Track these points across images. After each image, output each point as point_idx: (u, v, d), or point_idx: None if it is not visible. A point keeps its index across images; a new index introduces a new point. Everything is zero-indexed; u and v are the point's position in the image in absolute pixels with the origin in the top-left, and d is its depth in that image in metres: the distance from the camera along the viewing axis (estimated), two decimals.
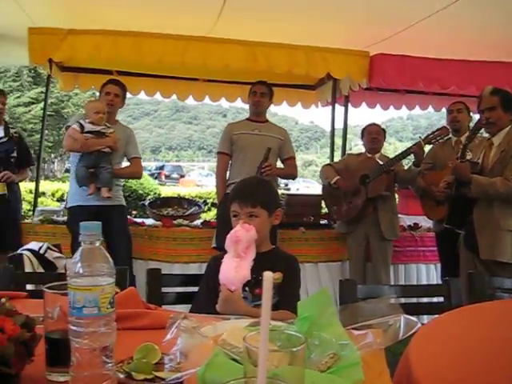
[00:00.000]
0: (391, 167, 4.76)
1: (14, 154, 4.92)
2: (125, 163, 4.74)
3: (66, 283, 1.15)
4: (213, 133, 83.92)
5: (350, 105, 6.29)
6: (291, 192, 8.27)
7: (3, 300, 1.26)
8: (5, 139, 4.86)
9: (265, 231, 2.23)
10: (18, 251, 4.08)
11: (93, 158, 4.35)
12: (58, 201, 9.90)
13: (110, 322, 1.13)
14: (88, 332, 1.10)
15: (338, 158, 5.97)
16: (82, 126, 4.33)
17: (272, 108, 5.66)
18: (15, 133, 5.04)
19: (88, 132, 4.32)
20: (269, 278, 0.76)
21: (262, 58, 5.43)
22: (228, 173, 4.90)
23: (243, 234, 1.96)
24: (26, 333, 1.12)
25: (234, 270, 1.88)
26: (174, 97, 6.93)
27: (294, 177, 5.04)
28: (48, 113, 6.06)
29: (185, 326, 1.21)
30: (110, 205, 4.44)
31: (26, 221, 5.45)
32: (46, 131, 5.98)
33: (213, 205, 10.21)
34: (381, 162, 4.84)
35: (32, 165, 5.45)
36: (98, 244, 1.14)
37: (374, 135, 5.02)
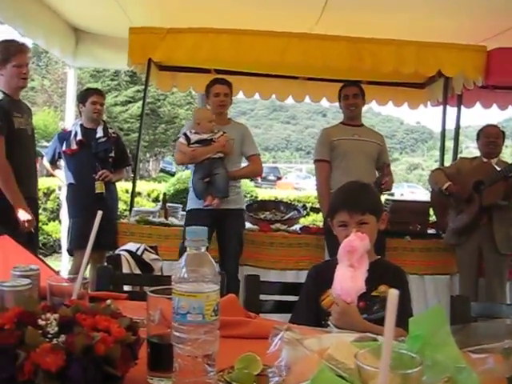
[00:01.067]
0: (510, 174, 4.54)
1: (112, 154, 5.16)
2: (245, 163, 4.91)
3: (170, 287, 1.20)
4: (311, 133, 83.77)
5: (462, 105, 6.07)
6: (396, 198, 8.06)
7: (109, 301, 1.33)
8: (103, 139, 5.10)
9: (374, 238, 2.22)
10: (116, 251, 4.28)
11: (205, 168, 4.49)
12: (153, 201, 10.26)
13: (214, 329, 1.16)
14: (191, 339, 1.14)
15: (448, 161, 5.78)
16: (187, 138, 4.51)
17: (375, 107, 5.58)
18: (113, 133, 5.29)
19: (195, 142, 4.48)
20: (394, 295, 0.75)
21: (367, 56, 5.36)
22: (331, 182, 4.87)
23: (358, 244, 1.94)
24: (130, 336, 1.18)
25: (350, 280, 1.87)
26: (274, 96, 7.01)
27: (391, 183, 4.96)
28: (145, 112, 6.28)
29: (288, 338, 1.22)
30: (228, 208, 4.58)
31: (123, 221, 5.67)
32: (142, 130, 6.22)
33: (312, 209, 10.18)
34: (498, 168, 4.63)
35: (129, 165, 5.70)
36: (203, 250, 1.18)
37: (492, 138, 4.77)
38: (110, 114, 30.48)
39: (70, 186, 5.17)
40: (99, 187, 4.98)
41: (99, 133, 5.10)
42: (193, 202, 4.64)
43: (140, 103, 27.79)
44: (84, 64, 7.76)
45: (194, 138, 4.48)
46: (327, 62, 5.37)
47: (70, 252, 5.22)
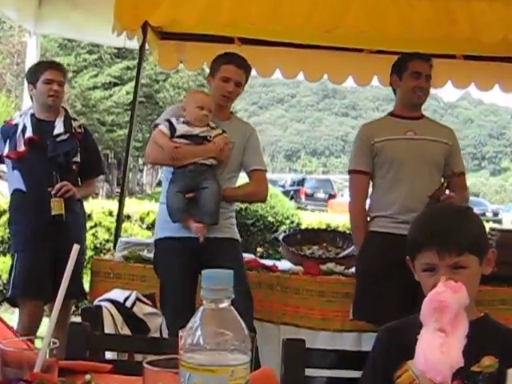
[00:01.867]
0: None
1: (77, 159, 5.07)
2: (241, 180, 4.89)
3: (176, 357, 1.20)
4: None
5: None
6: (505, 227, 8.00)
7: (88, 377, 1.34)
8: (64, 136, 5.01)
9: (475, 288, 2.19)
10: (96, 302, 4.30)
11: (189, 176, 4.41)
12: (148, 228, 10.29)
13: None
14: None
15: None
16: (172, 127, 4.42)
17: (475, 92, 5.53)
18: (79, 127, 5.19)
19: (181, 136, 4.41)
20: None
21: (463, 18, 5.33)
22: (368, 201, 4.87)
23: (450, 297, 1.90)
24: None
25: (440, 350, 1.83)
26: (325, 77, 7.03)
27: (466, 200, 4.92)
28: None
29: None
30: (217, 237, 4.53)
31: (104, 257, 5.73)
32: (134, 126, 6.25)
33: None
34: None
35: (101, 174, 5.70)
36: (226, 304, 1.18)
37: None
38: (86, 102, 30.73)
39: (14, 204, 5.12)
40: (57, 207, 4.88)
41: (58, 127, 5.02)
42: (164, 227, 4.59)
43: (130, 86, 28.12)
44: (50, 30, 7.82)
45: (180, 128, 4.40)
46: (405, 29, 5.36)
47: (13, 301, 5.18)
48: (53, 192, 4.85)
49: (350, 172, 4.91)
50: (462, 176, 4.86)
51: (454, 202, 4.45)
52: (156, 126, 4.56)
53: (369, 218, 4.80)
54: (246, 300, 4.49)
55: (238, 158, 4.67)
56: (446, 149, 4.78)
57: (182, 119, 4.46)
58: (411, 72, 4.73)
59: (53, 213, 4.86)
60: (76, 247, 1.54)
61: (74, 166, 5.05)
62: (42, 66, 5.12)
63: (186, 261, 4.43)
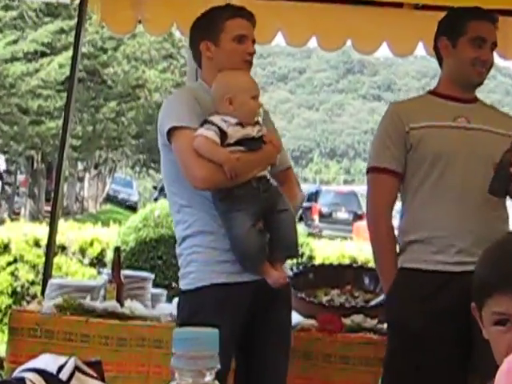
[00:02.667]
0: None
1: None
2: None
3: None
4: None
5: None
6: None
7: None
8: None
9: None
10: (16, 373, 4.30)
11: (262, 197, 4.32)
12: (92, 264, 10.33)
13: None
14: None
15: None
16: (222, 131, 4.24)
17: None
18: None
19: (236, 143, 4.31)
20: None
21: None
22: (398, 218, 4.85)
23: None
24: None
25: None
26: (349, 44, 7.06)
27: None
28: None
29: None
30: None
31: (29, 307, 5.74)
32: (72, 115, 6.26)
33: None
34: None
35: None
36: (210, 378, 1.19)
37: None
38: (1, 80, 30.60)
39: None
40: None
41: None
42: (207, 271, 4.51)
43: (66, 57, 28.14)
44: None
45: (234, 132, 4.32)
46: None
47: None
48: None
49: (370, 171, 4.81)
50: None
51: None
52: (174, 129, 4.34)
53: (400, 246, 4.73)
54: (285, 360, 4.58)
55: None
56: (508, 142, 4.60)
57: (231, 119, 4.30)
58: (472, 37, 4.65)
59: None
60: None
61: None
62: None
63: (241, 318, 4.38)
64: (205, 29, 4.59)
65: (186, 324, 4.24)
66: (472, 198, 4.50)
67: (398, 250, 4.68)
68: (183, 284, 4.51)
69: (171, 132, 4.33)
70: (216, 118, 4.24)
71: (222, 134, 4.20)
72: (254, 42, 4.61)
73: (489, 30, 4.67)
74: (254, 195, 4.30)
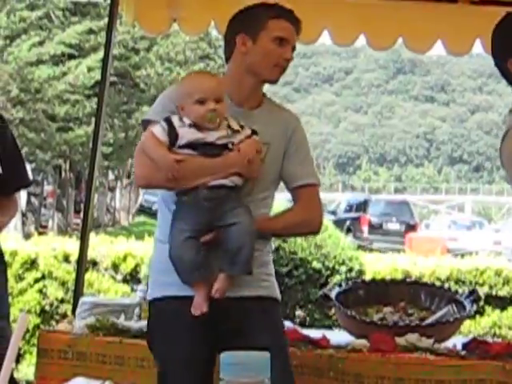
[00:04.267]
0: None
1: None
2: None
3: None
4: (486, 122, 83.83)
5: None
6: None
7: None
8: None
9: None
10: None
11: (204, 208, 4.25)
12: (125, 281, 10.34)
13: None
14: None
15: None
16: (172, 130, 4.24)
17: None
18: None
19: (187, 146, 4.30)
20: None
21: None
22: None
23: None
24: None
25: None
26: (400, 42, 7.05)
27: None
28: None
29: None
30: (246, 297, 4.52)
31: (59, 327, 5.77)
32: (102, 121, 6.28)
33: (493, 299, 10.15)
34: None
35: (26, 185, 5.68)
36: None
37: None
38: (26, 84, 30.65)
39: None
40: None
41: None
42: (165, 281, 4.51)
43: (95, 59, 28.24)
44: None
45: (186, 134, 4.28)
46: None
47: None
48: None
49: None
50: None
51: None
52: (146, 123, 4.41)
53: None
54: None
55: (275, 168, 4.56)
56: None
57: (187, 121, 4.26)
58: None
59: None
60: (23, 316, 1.57)
61: None
62: None
63: (201, 334, 4.33)
64: (246, 22, 4.54)
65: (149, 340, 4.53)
66: None
67: None
68: (148, 294, 4.65)
69: (143, 124, 4.46)
70: (175, 117, 4.26)
71: (173, 134, 4.21)
72: (294, 48, 4.56)
73: None
74: (196, 204, 4.27)
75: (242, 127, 4.32)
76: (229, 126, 4.28)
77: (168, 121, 4.22)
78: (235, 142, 4.27)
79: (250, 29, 4.45)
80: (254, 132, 4.34)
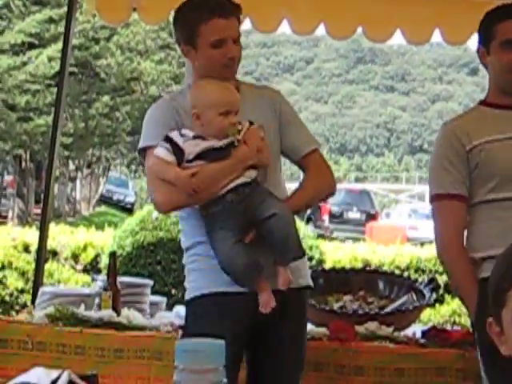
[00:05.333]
0: None
1: None
2: None
3: None
4: (444, 110, 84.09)
5: None
6: None
7: None
8: None
9: None
10: None
11: (237, 211, 4.28)
12: (86, 271, 10.33)
13: None
14: None
15: None
16: (175, 147, 4.24)
17: None
18: None
19: (198, 157, 4.28)
20: None
21: None
22: (470, 239, 4.80)
23: None
24: None
25: None
26: (359, 31, 7.08)
27: None
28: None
29: None
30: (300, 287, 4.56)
31: (19, 317, 5.75)
32: (62, 111, 6.26)
33: (447, 290, 10.18)
34: None
35: None
36: None
37: None
38: None
39: None
40: None
41: None
42: (203, 281, 4.50)
43: (55, 49, 28.14)
44: None
45: (191, 148, 4.29)
46: None
47: None
48: None
49: (434, 199, 4.79)
50: None
51: None
52: (143, 151, 4.43)
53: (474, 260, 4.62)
54: (298, 371, 4.62)
55: (276, 147, 4.60)
56: None
57: (189, 132, 4.30)
58: (502, 41, 4.58)
59: None
60: None
61: None
62: None
63: (241, 329, 4.36)
64: (182, 32, 4.58)
65: (191, 335, 4.33)
66: None
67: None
68: (186, 294, 4.57)
69: (141, 153, 4.47)
70: (174, 134, 4.26)
71: (178, 151, 4.22)
72: (237, 38, 4.50)
73: None
74: (230, 210, 4.29)
75: (239, 122, 4.32)
76: (233, 132, 4.31)
77: (169, 139, 4.22)
78: (239, 138, 4.30)
79: (187, 38, 4.51)
80: (250, 123, 4.36)
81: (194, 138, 4.23)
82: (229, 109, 4.24)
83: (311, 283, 4.66)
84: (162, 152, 4.20)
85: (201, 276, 4.48)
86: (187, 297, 4.56)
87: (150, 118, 4.58)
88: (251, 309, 4.26)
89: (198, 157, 4.21)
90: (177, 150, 4.19)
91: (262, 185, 4.42)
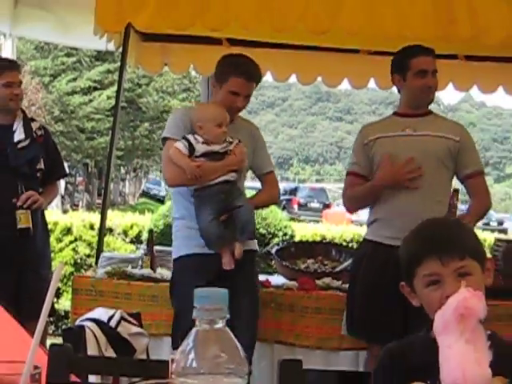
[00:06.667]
0: None
1: (41, 166, 4.89)
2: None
3: (167, 381, 1.20)
4: None
5: None
6: (511, 237, 8.04)
7: None
8: (25, 142, 4.80)
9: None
10: (78, 322, 4.29)
11: (220, 199, 4.40)
12: (132, 242, 10.29)
13: None
14: None
15: None
16: (190, 146, 4.36)
17: (477, 95, 5.42)
18: (39, 128, 4.99)
19: (201, 155, 4.36)
20: None
21: (464, 17, 5.32)
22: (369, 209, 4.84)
23: (477, 304, 1.83)
24: None
25: (477, 363, 1.78)
26: (319, 80, 7.05)
27: (487, 211, 4.86)
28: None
29: None
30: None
31: (86, 273, 5.76)
32: (116, 132, 6.23)
33: None
34: None
35: (63, 176, 5.73)
36: (221, 324, 1.19)
37: None
38: (65, 108, 30.71)
39: None
40: (24, 220, 4.66)
41: (18, 133, 4.80)
42: (187, 243, 4.55)
43: (111, 90, 28.12)
44: (26, 33, 7.78)
45: (200, 148, 4.35)
46: (402, 28, 5.36)
47: None
48: (18, 204, 4.66)
49: (347, 174, 4.90)
50: (479, 176, 4.68)
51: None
52: (165, 139, 4.54)
53: (367, 224, 4.83)
54: (254, 316, 4.60)
55: (247, 162, 4.65)
56: (452, 145, 4.55)
57: (200, 139, 4.38)
58: (416, 71, 4.56)
59: (19, 226, 4.65)
60: (61, 265, 1.54)
61: (38, 174, 4.88)
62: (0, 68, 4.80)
63: (211, 279, 4.26)
64: (218, 73, 4.63)
65: (175, 283, 4.65)
66: (422, 189, 4.45)
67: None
68: (172, 254, 4.73)
69: (163, 141, 4.62)
70: (190, 136, 4.38)
71: (191, 148, 4.35)
72: (247, 96, 4.60)
73: (428, 62, 4.58)
74: (214, 196, 4.40)
75: (232, 139, 4.48)
76: (225, 140, 4.44)
77: (187, 139, 4.37)
78: (231, 149, 4.44)
79: (217, 78, 4.59)
80: (239, 141, 4.50)
81: (203, 142, 4.37)
82: (220, 122, 4.36)
83: (256, 247, 4.74)
84: (181, 146, 4.36)
85: (183, 241, 4.59)
86: (173, 256, 4.68)
87: (173, 117, 4.78)
88: (217, 265, 4.36)
89: (203, 155, 4.37)
90: (190, 148, 4.35)
91: (237, 184, 4.54)
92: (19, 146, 4.78)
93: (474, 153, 4.77)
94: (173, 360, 1.20)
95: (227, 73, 4.51)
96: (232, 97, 4.50)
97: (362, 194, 4.76)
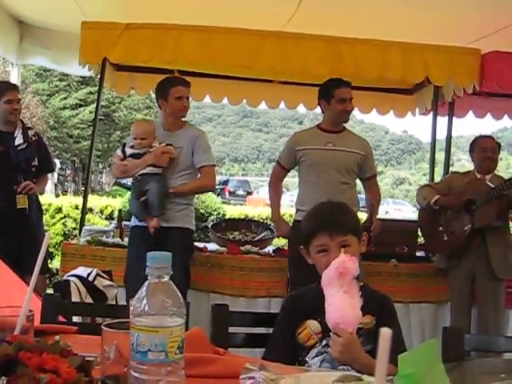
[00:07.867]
0: (504, 191, 4.50)
1: (35, 163, 4.96)
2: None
3: (128, 321, 1.19)
4: None
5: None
6: (380, 216, 8.18)
7: (57, 337, 1.30)
8: (23, 146, 4.88)
9: (358, 262, 2.23)
10: (65, 277, 4.23)
11: (137, 185, 4.57)
12: (107, 219, 10.16)
13: (178, 369, 1.15)
14: (152, 380, 1.13)
15: (438, 175, 5.85)
16: (123, 151, 4.61)
17: (358, 114, 5.51)
18: (33, 135, 5.05)
19: (129, 156, 4.57)
20: (386, 337, 0.75)
21: (349, 58, 5.40)
22: (296, 195, 4.85)
23: (352, 265, 1.97)
24: (83, 377, 1.15)
25: (352, 307, 1.90)
26: (244, 101, 7.05)
27: (379, 201, 4.93)
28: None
29: (262, 378, 1.22)
30: (168, 227, 4.48)
31: (72, 241, 5.69)
32: (95, 138, 6.18)
33: None
34: (491, 185, 4.61)
35: (52, 170, 5.64)
36: (166, 278, 1.17)
37: (489, 153, 4.75)
38: (58, 119, 30.43)
39: None
40: (22, 202, 4.79)
41: (18, 139, 4.88)
42: (133, 219, 4.70)
43: (92, 107, 27.71)
44: (29, 62, 7.72)
45: (128, 151, 4.59)
46: (304, 65, 5.41)
47: None
48: (18, 190, 4.79)
49: (277, 162, 4.92)
50: (374, 178, 4.85)
51: (378, 229, 4.52)
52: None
53: (296, 210, 4.76)
54: (182, 281, 4.37)
55: (187, 159, 4.56)
56: (360, 158, 4.63)
57: (130, 143, 4.59)
58: (338, 99, 4.55)
59: (18, 207, 4.80)
60: (48, 235, 1.51)
61: (33, 169, 4.96)
62: (2, 88, 4.90)
63: (150, 244, 4.23)
64: (160, 92, 4.62)
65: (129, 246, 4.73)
66: (328, 186, 4.50)
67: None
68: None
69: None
70: (127, 143, 4.66)
71: (124, 153, 4.60)
72: (188, 98, 4.62)
73: (348, 92, 4.61)
74: (136, 184, 4.59)
75: (160, 143, 4.54)
76: (150, 146, 4.52)
77: (123, 147, 4.65)
78: (150, 150, 4.51)
79: (162, 95, 4.57)
80: (168, 144, 4.53)
81: (131, 147, 4.58)
82: (135, 135, 4.58)
83: (190, 227, 4.65)
84: (119, 152, 4.67)
85: (132, 217, 4.75)
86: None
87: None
88: (149, 233, 4.44)
89: (130, 156, 4.56)
90: (124, 152, 4.60)
91: (171, 176, 4.55)
92: (19, 148, 4.88)
93: (372, 161, 4.86)
94: (131, 305, 1.18)
95: (168, 87, 4.55)
96: (178, 102, 4.53)
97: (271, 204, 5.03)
